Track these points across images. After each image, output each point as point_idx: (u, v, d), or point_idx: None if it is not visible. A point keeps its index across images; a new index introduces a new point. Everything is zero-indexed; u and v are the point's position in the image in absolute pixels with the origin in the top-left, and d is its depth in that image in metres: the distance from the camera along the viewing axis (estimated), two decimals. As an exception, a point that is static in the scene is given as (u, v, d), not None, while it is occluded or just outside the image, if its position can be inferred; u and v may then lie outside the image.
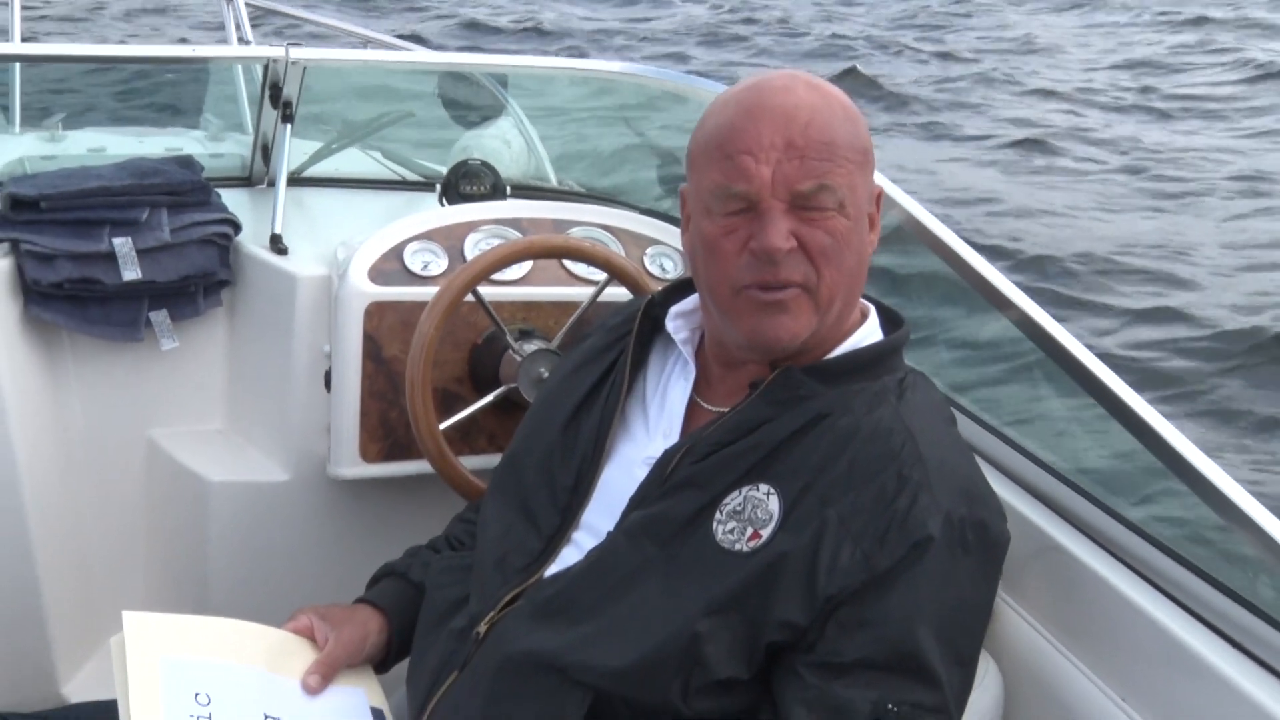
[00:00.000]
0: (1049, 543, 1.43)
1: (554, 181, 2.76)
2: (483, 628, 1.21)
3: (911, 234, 1.73)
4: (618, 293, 1.82)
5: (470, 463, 1.79)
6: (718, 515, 1.13)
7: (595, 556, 1.19)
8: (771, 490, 1.12)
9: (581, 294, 1.88)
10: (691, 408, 1.26)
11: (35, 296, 1.94)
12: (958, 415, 1.57)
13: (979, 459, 1.58)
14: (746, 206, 1.14)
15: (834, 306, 1.17)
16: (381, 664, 1.40)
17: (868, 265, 1.20)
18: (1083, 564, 1.38)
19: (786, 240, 1.12)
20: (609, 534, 1.19)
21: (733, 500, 1.13)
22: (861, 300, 1.26)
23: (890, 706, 1.06)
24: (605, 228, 2.03)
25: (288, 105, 2.11)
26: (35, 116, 3.37)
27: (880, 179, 1.73)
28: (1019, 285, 1.56)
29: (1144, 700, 1.29)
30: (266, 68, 2.09)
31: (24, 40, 3.56)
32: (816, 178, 1.12)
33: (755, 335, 1.17)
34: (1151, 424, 1.34)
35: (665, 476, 1.18)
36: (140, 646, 1.20)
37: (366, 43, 3.49)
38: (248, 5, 3.51)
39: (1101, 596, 1.35)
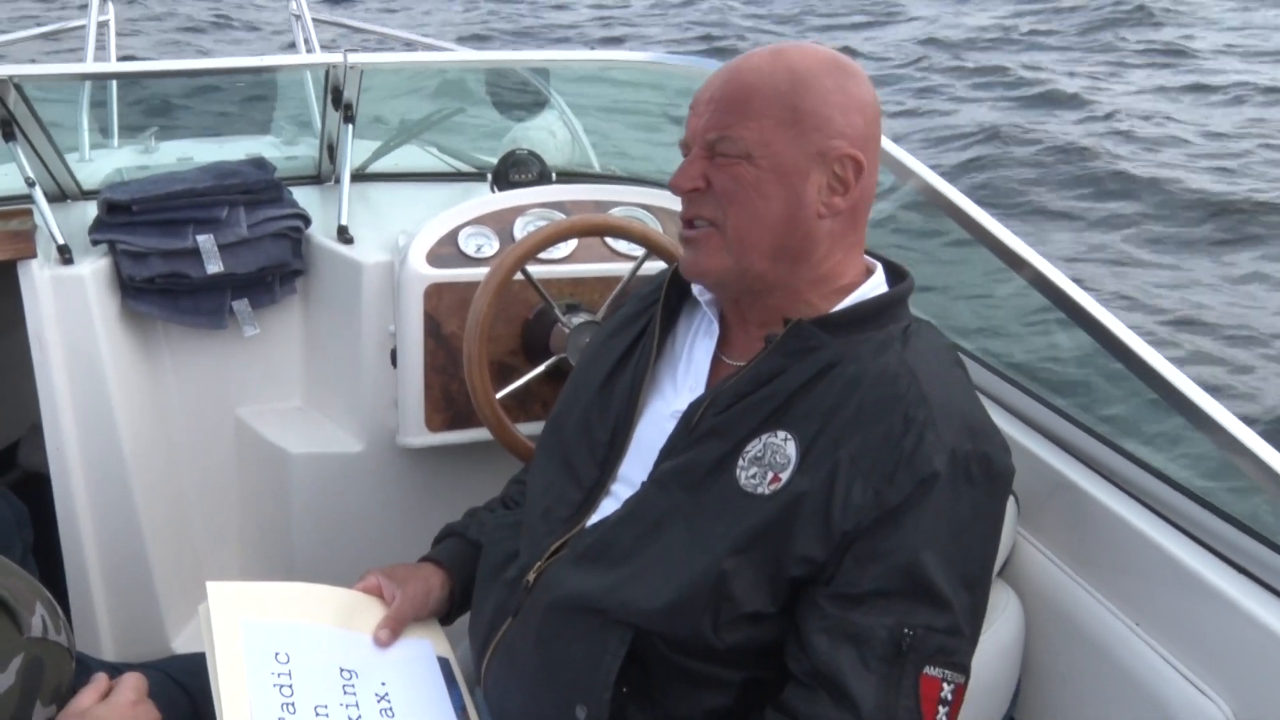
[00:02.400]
0: (1063, 480, 1.43)
1: (597, 167, 2.77)
2: (532, 576, 1.24)
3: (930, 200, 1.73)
4: (656, 266, 1.83)
5: (526, 429, 1.81)
6: (740, 461, 1.14)
7: (630, 505, 1.21)
8: (789, 436, 1.13)
9: (623, 269, 1.90)
10: (716, 363, 1.27)
11: (131, 291, 2.00)
12: (971, 362, 1.57)
13: (992, 403, 1.58)
14: (686, 154, 1.21)
15: (752, 250, 1.18)
16: (446, 617, 1.43)
17: (807, 220, 1.17)
18: (1094, 499, 1.37)
19: (690, 181, 1.19)
20: (642, 483, 1.22)
21: (754, 447, 1.14)
22: (867, 257, 1.26)
23: (905, 630, 1.07)
24: (644, 206, 2.04)
25: (349, 107, 2.14)
26: (132, 131, 3.45)
27: (898, 151, 1.73)
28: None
29: (1156, 624, 1.29)
30: (328, 73, 2.13)
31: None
32: (720, 129, 1.17)
33: (684, 268, 1.25)
34: (1156, 367, 1.34)
35: (691, 427, 1.19)
36: (223, 612, 1.23)
37: (414, 46, 3.52)
38: (315, 21, 3.57)
39: (1113, 529, 1.35)
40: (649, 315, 1.35)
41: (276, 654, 1.22)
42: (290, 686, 1.19)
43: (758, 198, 1.17)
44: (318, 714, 1.18)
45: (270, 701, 1.17)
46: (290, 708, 1.17)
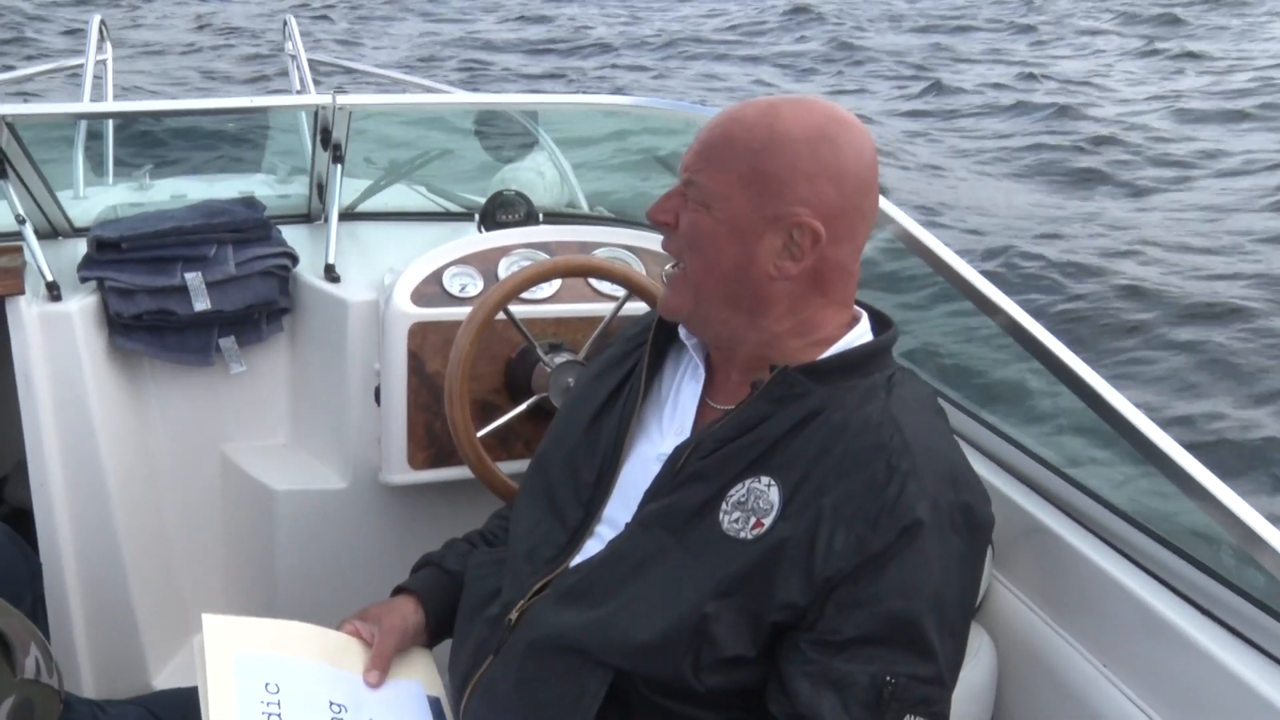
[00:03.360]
0: (1036, 524, 1.43)
1: (586, 208, 2.79)
2: (514, 615, 1.23)
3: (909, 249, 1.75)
4: (638, 307, 1.84)
5: (508, 467, 1.81)
6: (724, 505, 1.14)
7: (614, 546, 1.20)
8: (772, 482, 1.13)
9: (606, 309, 1.90)
10: (702, 407, 1.28)
11: (119, 327, 2.00)
12: (949, 408, 1.58)
13: (969, 447, 1.59)
14: None
15: (709, 298, 1.20)
16: (426, 648, 1.42)
17: (756, 281, 1.18)
18: (1066, 543, 1.38)
19: (661, 214, 1.22)
20: (626, 525, 1.21)
21: (737, 491, 1.14)
22: (855, 306, 1.27)
23: (887, 678, 1.06)
24: (627, 248, 2.05)
25: (337, 147, 2.15)
26: (127, 168, 3.48)
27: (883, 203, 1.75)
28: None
29: (1124, 666, 1.29)
30: (317, 113, 2.15)
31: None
32: (691, 171, 1.19)
33: (658, 303, 1.28)
34: (1127, 415, 1.35)
35: (676, 470, 1.19)
36: (217, 644, 1.24)
37: (406, 88, 3.56)
38: (310, 62, 3.61)
39: (1085, 572, 1.35)
40: (636, 357, 1.35)
41: (267, 684, 1.22)
42: (279, 716, 1.19)
43: (709, 247, 1.18)
44: None
45: None
46: None
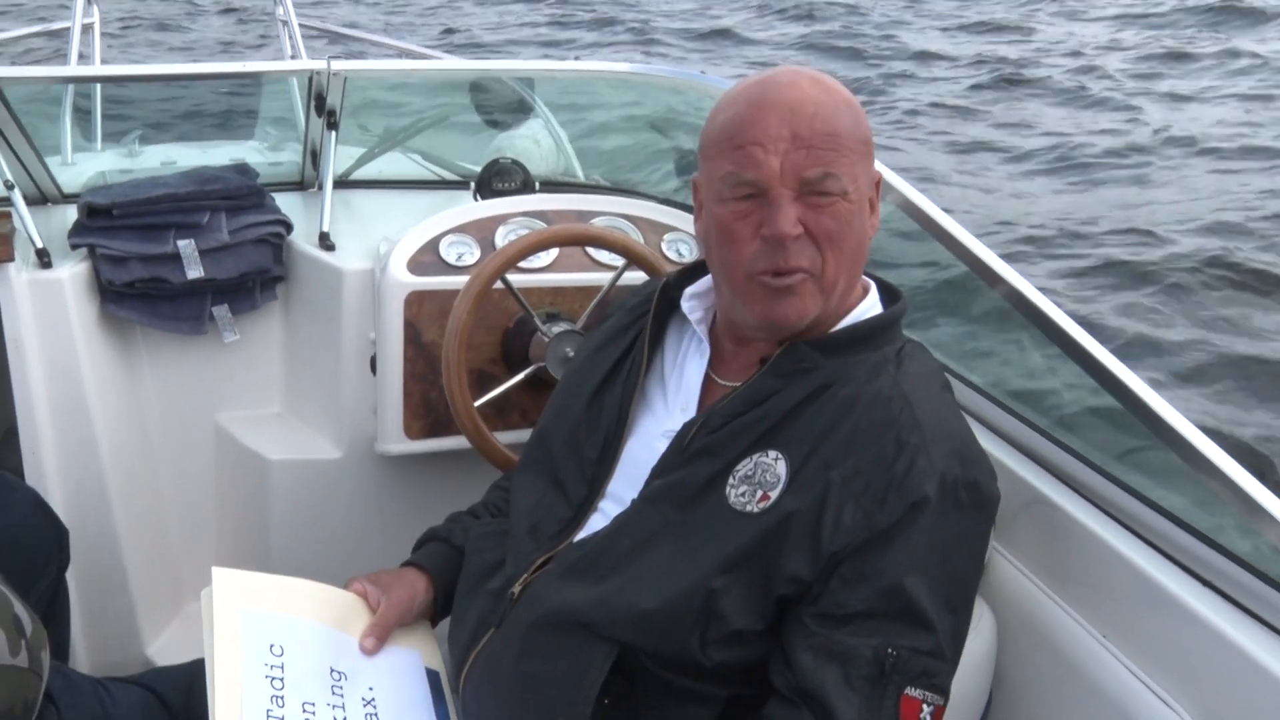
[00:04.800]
0: (1037, 496, 1.43)
1: (581, 177, 2.76)
2: (517, 588, 1.23)
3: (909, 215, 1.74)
4: (636, 276, 1.83)
5: (505, 437, 1.80)
6: (730, 480, 1.14)
7: (619, 521, 1.20)
8: (780, 456, 1.13)
9: (604, 279, 1.89)
10: (707, 383, 1.27)
11: (111, 295, 1.98)
12: (952, 380, 1.57)
13: (972, 419, 1.58)
14: (756, 193, 1.13)
15: (838, 288, 1.18)
16: (429, 621, 1.41)
17: (868, 246, 1.20)
18: (1067, 514, 1.38)
19: (795, 226, 1.12)
20: (632, 501, 1.21)
21: (744, 466, 1.14)
22: (863, 276, 1.26)
23: (889, 651, 1.07)
24: (625, 216, 2.04)
25: (332, 114, 2.13)
26: (115, 134, 3.44)
27: (879, 166, 1.74)
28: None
29: (1123, 637, 1.29)
30: (311, 79, 2.12)
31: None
32: (822, 166, 1.12)
33: (766, 317, 1.17)
34: (1131, 386, 1.34)
35: (683, 447, 1.19)
36: (225, 598, 1.23)
37: (402, 54, 3.52)
38: (301, 27, 3.56)
39: (1085, 543, 1.35)
40: (637, 329, 1.34)
41: (271, 646, 1.22)
42: (282, 680, 1.19)
43: (850, 235, 1.15)
44: (305, 710, 1.18)
45: (261, 692, 1.16)
46: (279, 701, 1.17)
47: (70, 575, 1.92)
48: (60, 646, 1.61)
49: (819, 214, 1.13)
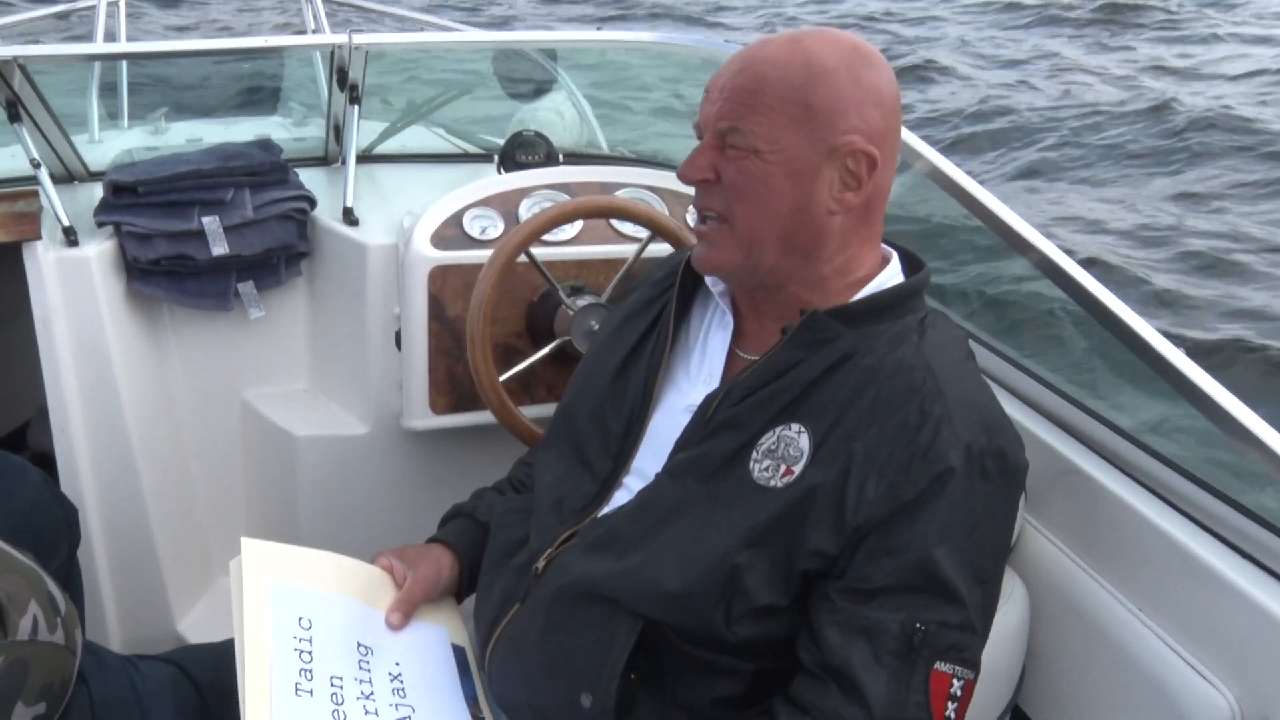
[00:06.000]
0: (1069, 466, 1.41)
1: (606, 149, 2.74)
2: (541, 563, 1.23)
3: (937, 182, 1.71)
4: (662, 248, 1.82)
5: (531, 411, 1.80)
6: (754, 454, 1.13)
7: (643, 496, 1.19)
8: (803, 429, 1.12)
9: (628, 251, 1.88)
10: (730, 356, 1.26)
11: (137, 273, 1.99)
12: (982, 349, 1.55)
13: (1001, 389, 1.56)
14: (700, 138, 1.19)
15: (764, 245, 1.16)
16: (454, 597, 1.41)
17: (819, 216, 1.15)
18: (1101, 485, 1.36)
19: (700, 171, 1.17)
20: (656, 475, 1.20)
21: (767, 440, 1.13)
22: (884, 246, 1.24)
23: (917, 625, 1.06)
24: (650, 188, 2.02)
25: (354, 88, 2.12)
26: (142, 112, 3.45)
27: (907, 135, 1.71)
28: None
29: (1162, 611, 1.27)
30: (333, 53, 2.11)
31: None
32: (730, 119, 1.14)
33: (694, 262, 1.23)
34: (1164, 353, 1.32)
35: (706, 420, 1.18)
36: (255, 569, 1.23)
37: (423, 27, 3.51)
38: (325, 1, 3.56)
39: (1119, 515, 1.33)
40: (662, 302, 1.33)
41: (300, 619, 1.22)
42: (310, 653, 1.19)
43: (765, 193, 1.14)
44: (333, 684, 1.18)
45: (290, 665, 1.17)
46: (308, 674, 1.17)
47: (100, 552, 1.96)
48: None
49: (728, 165, 1.15)
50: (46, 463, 1.95)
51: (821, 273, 1.18)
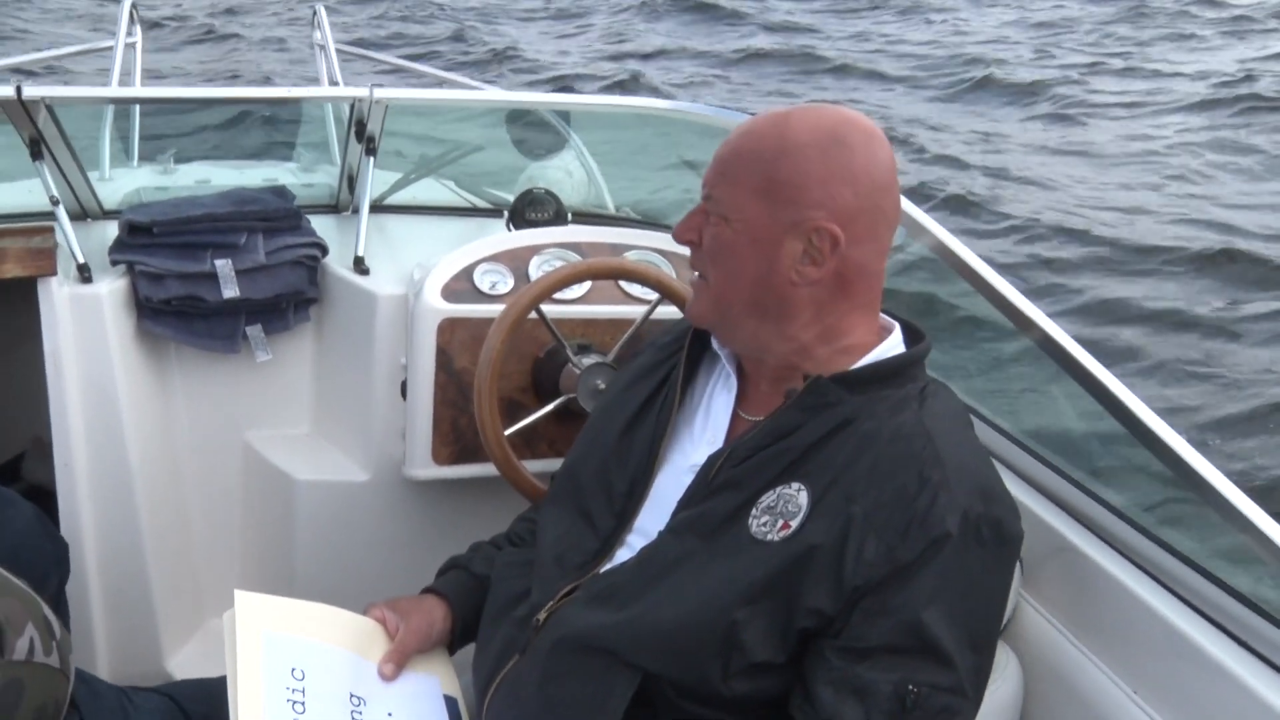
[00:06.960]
0: (1065, 544, 1.43)
1: (612, 209, 2.79)
2: (542, 615, 1.23)
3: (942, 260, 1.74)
4: (669, 311, 1.85)
5: (532, 466, 1.81)
6: (754, 511, 1.15)
7: (644, 553, 1.21)
8: (802, 487, 1.14)
9: (635, 312, 1.90)
10: (734, 418, 1.28)
11: (148, 312, 2.01)
12: (980, 423, 1.57)
13: (1000, 464, 1.58)
14: None
15: (733, 306, 1.22)
16: (447, 649, 1.42)
17: (789, 287, 1.18)
18: (1096, 564, 1.38)
19: (685, 232, 1.25)
20: (658, 533, 1.22)
21: (767, 498, 1.15)
22: (884, 316, 1.27)
23: (910, 687, 1.07)
24: (658, 251, 2.05)
25: (371, 140, 2.16)
26: (151, 151, 3.49)
27: (909, 207, 1.75)
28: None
29: (1154, 692, 1.29)
30: (353, 106, 2.15)
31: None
32: (709, 185, 1.22)
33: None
34: (1161, 435, 1.34)
35: (709, 479, 1.20)
36: (248, 621, 1.24)
37: (441, 83, 3.56)
38: (338, 51, 3.61)
39: (1114, 594, 1.35)
40: (669, 365, 1.36)
41: (293, 670, 1.23)
42: (303, 704, 1.20)
43: (731, 258, 1.21)
44: None
45: (283, 715, 1.17)
46: None
47: (95, 587, 1.95)
48: None
49: (708, 229, 1.22)
50: (41, 495, 1.95)
51: (802, 340, 1.22)
